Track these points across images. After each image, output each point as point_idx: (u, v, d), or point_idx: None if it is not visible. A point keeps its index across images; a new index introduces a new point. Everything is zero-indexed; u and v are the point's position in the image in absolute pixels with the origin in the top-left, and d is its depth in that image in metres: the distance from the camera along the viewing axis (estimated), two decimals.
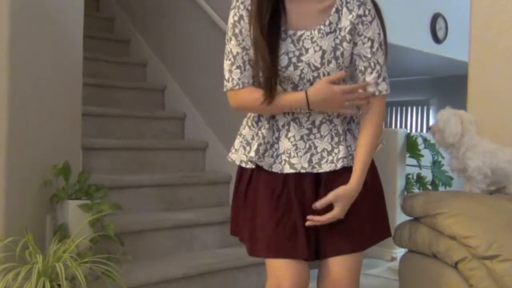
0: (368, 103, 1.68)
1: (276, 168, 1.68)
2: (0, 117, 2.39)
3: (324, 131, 1.69)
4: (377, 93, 1.67)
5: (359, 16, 1.64)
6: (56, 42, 2.58)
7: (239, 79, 1.66)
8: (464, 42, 2.92)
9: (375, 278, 3.80)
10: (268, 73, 1.60)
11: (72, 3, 2.66)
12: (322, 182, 1.69)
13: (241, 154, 1.74)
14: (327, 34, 1.63)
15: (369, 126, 1.68)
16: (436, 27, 6.11)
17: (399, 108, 9.55)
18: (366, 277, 3.75)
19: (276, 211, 1.66)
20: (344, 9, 1.65)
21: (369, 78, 1.66)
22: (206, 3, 3.85)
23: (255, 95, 1.64)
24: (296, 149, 1.68)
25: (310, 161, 1.68)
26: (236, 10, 1.67)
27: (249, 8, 1.64)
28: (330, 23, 1.64)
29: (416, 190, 4.56)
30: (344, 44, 1.63)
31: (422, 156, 4.64)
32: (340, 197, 1.63)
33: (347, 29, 1.64)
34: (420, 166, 4.68)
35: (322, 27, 1.64)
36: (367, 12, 1.65)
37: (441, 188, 4.72)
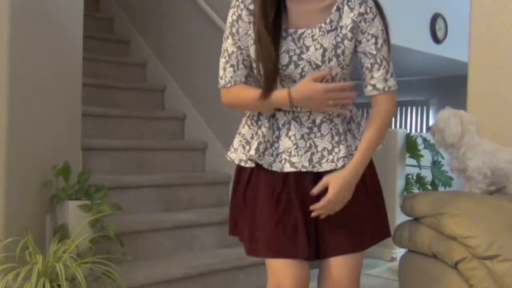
0: (376, 100, 1.68)
1: (276, 167, 1.68)
2: (0, 117, 2.39)
3: (325, 130, 1.69)
4: (386, 88, 1.68)
5: (361, 14, 1.65)
6: (56, 42, 2.58)
7: (231, 77, 1.69)
8: (464, 42, 2.92)
9: (375, 278, 3.80)
10: (270, 69, 1.61)
11: (72, 3, 2.67)
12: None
13: (240, 153, 1.74)
14: (328, 32, 1.64)
15: (377, 119, 1.68)
16: (436, 27, 6.11)
17: (398, 108, 9.54)
18: (366, 277, 3.75)
19: (276, 210, 1.66)
20: (345, 8, 1.65)
21: (377, 74, 1.66)
22: (205, 3, 3.85)
23: (246, 92, 1.67)
24: (297, 148, 1.68)
25: (310, 160, 1.68)
26: (235, 9, 1.68)
27: (249, 7, 1.65)
28: (331, 21, 1.65)
29: (416, 190, 4.56)
30: (345, 42, 1.64)
31: (422, 156, 4.64)
32: (333, 180, 1.62)
33: (349, 27, 1.64)
34: (420, 166, 4.68)
35: (323, 25, 1.64)
36: (368, 10, 1.66)
37: (441, 188, 4.72)
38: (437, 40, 6.14)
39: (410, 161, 4.60)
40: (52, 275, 2.19)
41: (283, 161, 1.68)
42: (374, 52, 1.66)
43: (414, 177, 4.66)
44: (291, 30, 1.64)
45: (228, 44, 1.69)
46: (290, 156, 1.67)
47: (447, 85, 8.42)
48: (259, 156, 1.67)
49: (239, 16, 1.66)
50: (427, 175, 4.76)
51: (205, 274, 2.90)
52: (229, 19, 1.69)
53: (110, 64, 4.22)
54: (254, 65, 1.67)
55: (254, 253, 1.70)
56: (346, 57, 1.65)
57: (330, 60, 1.63)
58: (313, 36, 1.63)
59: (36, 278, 2.13)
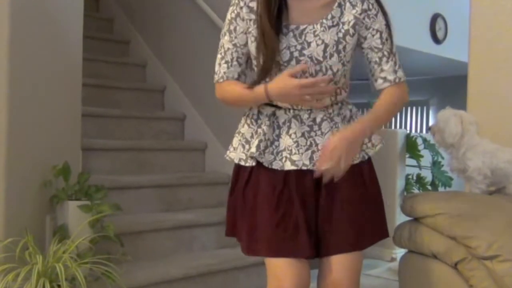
0: (387, 92, 1.70)
1: (276, 165, 1.68)
2: (0, 117, 2.38)
3: (325, 128, 1.69)
4: (397, 80, 1.70)
5: (364, 10, 1.66)
6: (56, 43, 2.58)
7: (224, 73, 1.72)
8: (464, 42, 2.92)
9: (375, 279, 3.80)
10: (269, 64, 1.62)
11: (72, 3, 2.67)
12: (322, 180, 1.68)
13: (240, 153, 1.74)
14: (329, 28, 1.65)
15: (390, 98, 1.71)
16: (436, 28, 6.11)
17: None
18: (366, 277, 3.75)
19: (277, 209, 1.66)
20: (347, 4, 1.67)
21: (387, 66, 1.68)
22: (205, 4, 3.85)
23: (235, 87, 1.70)
24: (298, 146, 1.68)
25: (311, 159, 1.68)
26: (235, 7, 1.70)
27: (250, 5, 1.67)
28: (333, 17, 1.66)
29: (416, 191, 4.56)
30: (347, 37, 1.65)
31: (421, 156, 4.63)
32: (339, 131, 1.65)
33: (351, 23, 1.65)
34: (419, 167, 4.68)
35: (324, 21, 1.65)
36: (371, 6, 1.68)
37: (441, 189, 4.72)
38: (437, 40, 6.15)
39: (410, 161, 4.60)
40: (52, 276, 2.19)
41: (284, 159, 1.68)
42: (380, 46, 1.67)
43: (414, 177, 4.66)
44: (292, 27, 1.65)
45: (225, 41, 1.72)
46: (290, 154, 1.67)
47: (447, 85, 8.42)
48: (260, 154, 1.67)
49: (238, 14, 1.69)
50: (427, 175, 4.75)
51: (205, 274, 2.90)
52: (228, 16, 1.72)
53: (110, 64, 4.22)
54: (254, 62, 1.69)
55: (254, 253, 1.70)
56: (347, 53, 1.65)
57: (331, 55, 1.63)
58: (314, 32, 1.64)
59: (36, 279, 2.13)
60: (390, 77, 1.69)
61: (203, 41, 3.91)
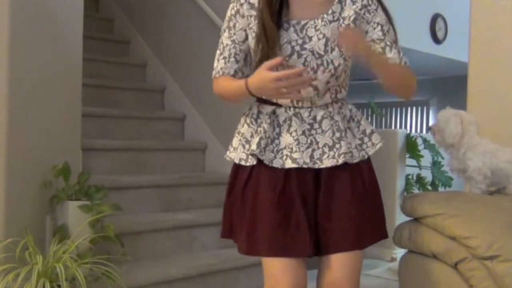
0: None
1: (277, 164, 1.68)
2: (0, 117, 2.38)
3: (326, 126, 1.69)
4: (403, 63, 1.71)
5: (364, 6, 1.68)
6: (56, 43, 2.58)
7: (221, 68, 1.74)
8: (464, 43, 2.92)
9: (375, 279, 3.80)
10: (270, 58, 1.61)
11: (72, 4, 2.67)
12: (322, 178, 1.69)
13: (240, 152, 1.74)
14: (330, 22, 1.66)
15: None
16: (436, 28, 6.11)
17: (398, 109, 9.55)
18: (366, 277, 3.75)
19: (278, 208, 1.65)
20: (348, 0, 1.68)
21: (391, 54, 1.69)
22: (205, 4, 3.85)
23: (229, 81, 1.71)
24: (298, 143, 1.68)
25: (311, 157, 1.68)
26: (235, 4, 1.72)
27: (251, 1, 1.69)
28: (333, 12, 1.67)
29: (416, 191, 4.56)
30: None
31: (422, 156, 4.63)
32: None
33: (351, 18, 1.67)
34: (420, 167, 4.68)
35: (325, 15, 1.67)
36: (370, 2, 1.69)
37: (441, 189, 4.72)
38: (437, 40, 6.14)
39: (410, 161, 4.60)
40: (52, 276, 2.19)
41: (284, 157, 1.68)
42: (382, 37, 1.68)
43: (414, 178, 4.66)
44: (293, 22, 1.66)
45: (224, 37, 1.75)
46: (291, 152, 1.67)
47: (447, 85, 8.42)
48: (261, 151, 1.67)
49: (238, 11, 1.71)
50: (427, 175, 4.75)
51: (205, 274, 2.90)
52: (228, 13, 1.74)
53: (110, 65, 4.22)
54: (254, 57, 1.70)
55: (254, 253, 1.69)
56: None
57: (332, 49, 1.64)
58: (315, 26, 1.65)
59: (36, 279, 2.13)
60: (397, 60, 1.69)
61: (203, 41, 3.91)
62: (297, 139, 1.68)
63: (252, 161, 1.70)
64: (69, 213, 2.43)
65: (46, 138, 2.53)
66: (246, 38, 1.72)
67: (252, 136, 1.73)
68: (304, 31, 1.66)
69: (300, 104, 1.69)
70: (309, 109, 1.70)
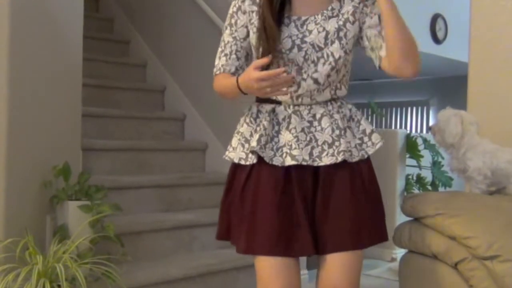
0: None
1: (276, 161, 1.68)
2: (0, 118, 2.38)
3: (325, 123, 1.69)
4: None
5: (362, 0, 1.71)
6: (56, 43, 2.58)
7: (222, 65, 1.76)
8: (464, 43, 2.92)
9: (375, 279, 3.81)
10: (268, 53, 1.63)
11: (72, 4, 2.67)
12: (320, 176, 1.69)
13: (239, 152, 1.74)
14: (330, 18, 1.69)
15: None
16: (436, 28, 6.11)
17: (399, 109, 9.55)
18: (367, 277, 3.75)
19: (279, 207, 1.65)
20: None
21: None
22: (205, 4, 3.85)
23: (228, 78, 1.72)
24: (298, 140, 1.68)
25: (311, 154, 1.68)
26: (237, 1, 1.75)
27: None
28: (333, 8, 1.70)
29: (416, 191, 4.56)
30: (348, 25, 1.68)
31: (422, 156, 4.64)
32: None
33: (350, 12, 1.69)
34: (420, 167, 4.68)
35: (325, 11, 1.70)
36: None
37: (441, 189, 4.72)
38: (437, 40, 6.14)
39: (410, 161, 4.60)
40: (52, 276, 2.19)
41: (284, 154, 1.68)
42: (379, 22, 1.69)
43: (414, 178, 4.67)
44: (294, 17, 1.69)
45: (225, 34, 1.77)
46: (290, 149, 1.68)
47: (447, 85, 8.42)
48: (261, 148, 1.67)
49: (239, 8, 1.74)
50: (427, 175, 4.76)
51: (205, 274, 2.90)
52: (230, 10, 1.77)
53: (110, 65, 4.22)
54: (254, 53, 1.71)
55: (253, 251, 1.69)
56: (349, 41, 1.68)
57: (332, 42, 1.66)
58: (316, 21, 1.68)
59: (36, 279, 2.12)
60: None
61: (203, 41, 3.91)
62: (297, 136, 1.68)
63: (252, 160, 1.70)
64: (69, 213, 2.43)
65: (46, 138, 2.53)
66: (248, 35, 1.74)
67: (251, 135, 1.73)
68: (305, 27, 1.68)
69: (299, 100, 1.69)
70: (309, 107, 1.70)
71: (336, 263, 1.68)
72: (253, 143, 1.68)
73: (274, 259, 1.66)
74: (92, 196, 2.51)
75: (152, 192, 3.32)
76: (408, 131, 5.36)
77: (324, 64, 1.66)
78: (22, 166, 2.43)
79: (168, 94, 4.22)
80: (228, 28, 1.76)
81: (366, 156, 1.73)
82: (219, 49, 1.78)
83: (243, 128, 1.76)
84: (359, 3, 1.70)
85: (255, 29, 1.70)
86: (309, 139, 1.69)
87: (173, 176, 3.53)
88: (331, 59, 1.66)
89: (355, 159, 1.71)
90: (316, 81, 1.68)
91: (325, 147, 1.68)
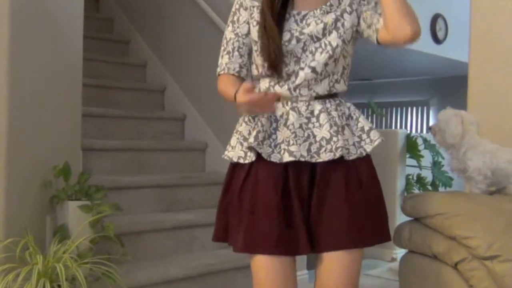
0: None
1: (275, 158, 1.68)
2: (0, 118, 2.38)
3: (323, 120, 1.70)
4: None
5: None
6: (56, 43, 2.58)
7: (226, 64, 1.77)
8: (464, 43, 2.92)
9: (375, 279, 3.81)
10: (273, 47, 1.66)
11: (72, 4, 2.67)
12: (317, 176, 1.68)
13: (238, 151, 1.74)
14: (328, 12, 1.72)
15: None
16: (436, 28, 6.11)
17: (399, 109, 9.55)
18: (367, 277, 3.75)
19: (277, 206, 1.65)
20: None
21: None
22: (205, 3, 3.85)
23: (228, 83, 1.73)
24: (295, 136, 1.68)
25: (308, 150, 1.68)
26: None
27: None
28: (331, 5, 1.73)
29: (416, 191, 4.56)
30: (345, 15, 1.71)
31: (422, 156, 4.64)
32: None
33: (347, 3, 1.73)
34: (420, 167, 4.68)
35: (324, 6, 1.73)
36: None
37: (441, 189, 4.72)
38: (437, 40, 6.15)
39: (411, 161, 4.60)
40: (52, 276, 2.19)
41: (282, 151, 1.68)
42: (374, 5, 1.71)
43: (415, 178, 4.67)
44: (294, 12, 1.72)
45: (227, 32, 1.79)
46: (288, 145, 1.68)
47: (447, 85, 8.42)
48: (258, 144, 1.67)
49: (241, 4, 1.77)
50: (428, 175, 4.76)
51: (204, 274, 2.90)
52: (233, 8, 1.79)
53: (110, 64, 4.22)
54: (254, 47, 1.73)
55: (251, 250, 1.68)
56: (347, 31, 1.70)
57: (330, 32, 1.69)
58: (314, 15, 1.71)
59: (36, 279, 2.12)
60: None
61: (203, 41, 3.91)
62: (294, 132, 1.69)
63: (251, 158, 1.70)
64: (69, 213, 2.43)
65: (46, 138, 2.53)
66: (249, 31, 1.75)
67: (249, 133, 1.73)
68: (304, 21, 1.71)
69: (297, 91, 1.70)
70: (307, 103, 1.71)
71: (333, 263, 1.68)
72: (251, 139, 1.68)
73: (271, 259, 1.66)
74: (92, 196, 2.51)
75: (152, 192, 3.32)
76: (408, 131, 5.36)
77: (321, 53, 1.68)
78: (22, 166, 2.43)
79: (168, 94, 4.22)
80: (230, 25, 1.78)
81: (364, 153, 1.73)
82: (222, 48, 1.79)
83: (242, 127, 1.76)
84: None
85: (255, 23, 1.72)
86: (307, 135, 1.69)
87: (173, 176, 3.53)
88: (328, 47, 1.68)
89: (352, 156, 1.70)
90: (314, 70, 1.69)
91: (323, 143, 1.68)
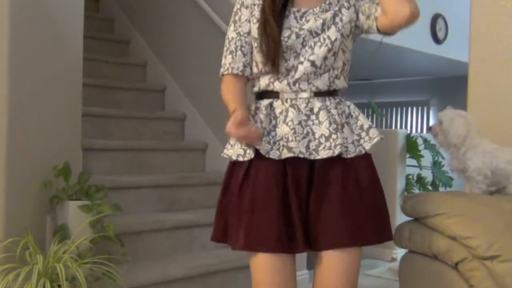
0: None
1: (273, 155, 1.68)
2: (0, 118, 2.39)
3: (323, 117, 1.70)
4: None
5: None
6: (56, 43, 2.58)
7: (229, 64, 1.77)
8: (464, 43, 2.92)
9: (375, 279, 3.81)
10: (272, 46, 1.68)
11: (72, 4, 2.67)
12: (316, 171, 1.68)
13: (237, 149, 1.74)
14: (327, 10, 1.74)
15: None
16: (436, 28, 6.11)
17: (399, 109, 9.55)
18: (366, 277, 3.75)
19: (277, 205, 1.65)
20: None
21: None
22: (205, 3, 3.85)
23: (229, 89, 1.75)
24: (295, 133, 1.68)
25: (307, 147, 1.68)
26: None
27: None
28: (330, 3, 1.75)
29: (416, 191, 4.57)
30: (343, 10, 1.73)
31: (422, 156, 4.64)
32: None
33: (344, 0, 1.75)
34: (420, 167, 4.68)
35: (323, 5, 1.75)
36: None
37: (441, 189, 4.72)
38: (437, 40, 6.15)
39: (411, 161, 4.61)
40: (53, 276, 2.19)
41: (281, 148, 1.68)
42: None
43: (415, 178, 4.67)
44: (294, 9, 1.74)
45: (230, 31, 1.79)
46: (287, 142, 1.68)
47: (447, 85, 8.42)
48: None
49: (242, 3, 1.78)
50: (428, 175, 4.76)
51: (204, 274, 2.90)
52: (234, 8, 1.80)
53: (110, 64, 4.22)
54: (254, 44, 1.73)
55: (251, 248, 1.68)
56: (345, 25, 1.72)
57: (329, 28, 1.71)
58: (313, 12, 1.73)
59: (37, 279, 2.13)
60: None
61: (203, 41, 3.91)
62: (293, 129, 1.69)
63: (250, 155, 1.70)
64: (69, 213, 2.43)
65: (46, 138, 2.53)
66: (251, 29, 1.75)
67: None
68: (304, 18, 1.72)
69: (297, 86, 1.70)
70: (306, 100, 1.71)
71: (332, 262, 1.68)
72: None
73: (271, 257, 1.66)
74: (92, 196, 2.51)
75: (152, 192, 3.32)
76: (409, 131, 5.36)
77: (320, 46, 1.70)
78: (22, 166, 2.43)
79: (168, 94, 4.23)
80: (232, 25, 1.78)
81: (363, 151, 1.72)
82: (224, 48, 1.79)
83: None
84: None
85: (255, 20, 1.73)
86: (306, 132, 1.69)
87: (173, 176, 3.53)
88: (327, 41, 1.70)
89: (351, 155, 1.70)
90: (313, 63, 1.69)
91: (322, 140, 1.68)
